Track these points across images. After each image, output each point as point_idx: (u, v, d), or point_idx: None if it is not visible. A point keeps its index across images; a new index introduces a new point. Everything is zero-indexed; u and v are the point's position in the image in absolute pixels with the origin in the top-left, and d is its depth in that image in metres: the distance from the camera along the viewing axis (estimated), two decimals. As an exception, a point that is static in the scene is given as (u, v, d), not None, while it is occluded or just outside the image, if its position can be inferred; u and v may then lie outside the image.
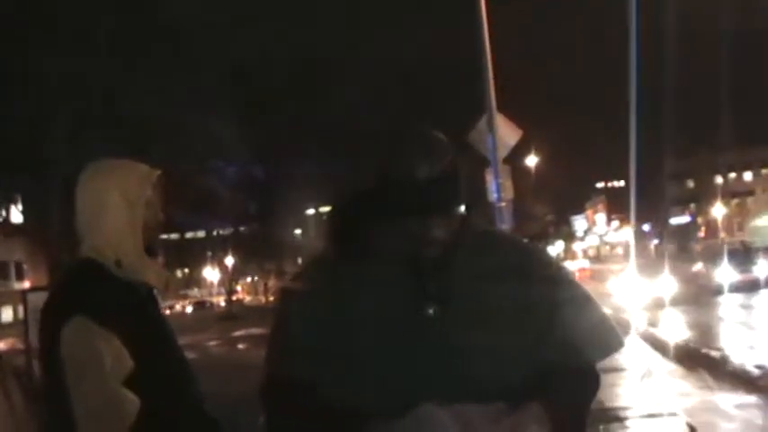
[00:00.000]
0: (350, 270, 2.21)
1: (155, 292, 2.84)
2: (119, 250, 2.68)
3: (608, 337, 2.28)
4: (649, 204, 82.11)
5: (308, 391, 2.15)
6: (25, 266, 50.26)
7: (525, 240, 2.65)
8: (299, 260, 64.90)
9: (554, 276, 2.29)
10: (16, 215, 47.53)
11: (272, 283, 69.45)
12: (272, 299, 63.69)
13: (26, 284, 41.23)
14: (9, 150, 23.55)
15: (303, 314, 2.21)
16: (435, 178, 2.07)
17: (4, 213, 51.08)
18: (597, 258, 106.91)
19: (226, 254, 64.18)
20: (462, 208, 2.18)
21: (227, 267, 64.76)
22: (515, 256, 2.29)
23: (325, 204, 55.06)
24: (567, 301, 2.23)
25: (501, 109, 14.84)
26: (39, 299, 8.23)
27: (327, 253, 2.32)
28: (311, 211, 61.07)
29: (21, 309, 9.17)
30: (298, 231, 67.92)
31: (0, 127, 22.01)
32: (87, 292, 2.64)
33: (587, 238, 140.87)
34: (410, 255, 2.14)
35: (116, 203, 2.70)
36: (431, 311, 2.15)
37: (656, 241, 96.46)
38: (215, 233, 64.56)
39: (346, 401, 2.10)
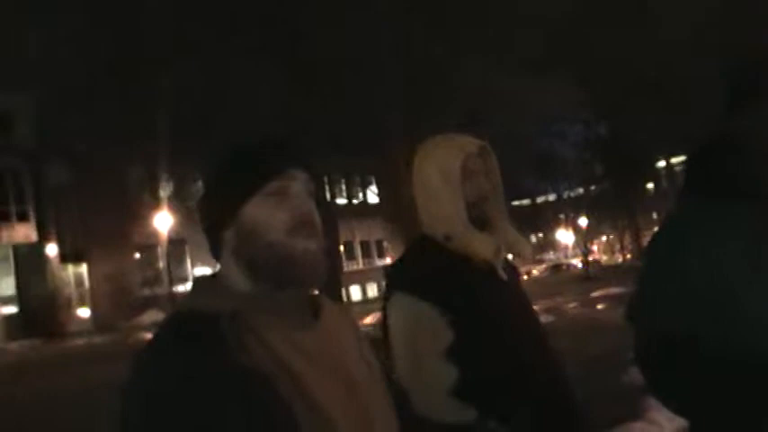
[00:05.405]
0: (723, 214, 2.07)
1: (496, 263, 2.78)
2: (446, 225, 2.73)
3: None
4: None
5: (695, 346, 2.02)
6: (386, 244, 53.98)
7: None
8: (654, 215, 63.35)
9: None
10: (372, 197, 51.37)
11: (627, 240, 68.31)
12: (629, 257, 62.53)
13: (387, 261, 44.15)
14: (362, 134, 24.89)
15: (677, 265, 2.08)
16: None
17: (361, 196, 55.04)
18: None
19: (578, 215, 64.08)
20: None
21: (580, 228, 64.64)
22: None
23: (676, 155, 53.14)
24: None
25: None
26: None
27: (695, 201, 2.20)
28: (662, 163, 58.98)
29: (383, 284, 9.58)
30: (650, 185, 66.23)
31: (352, 111, 23.29)
32: (412, 267, 2.75)
33: None
34: None
35: (435, 179, 2.76)
36: None
37: None
38: (565, 195, 64.76)
39: (742, 354, 1.95)
